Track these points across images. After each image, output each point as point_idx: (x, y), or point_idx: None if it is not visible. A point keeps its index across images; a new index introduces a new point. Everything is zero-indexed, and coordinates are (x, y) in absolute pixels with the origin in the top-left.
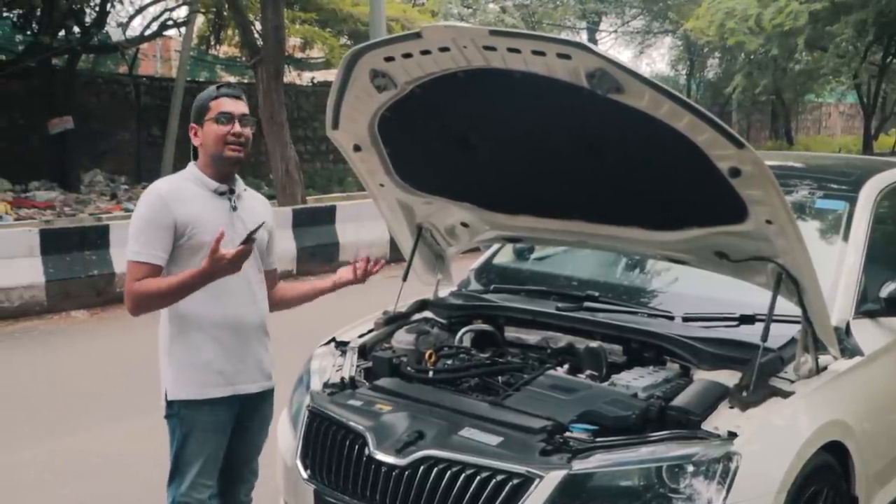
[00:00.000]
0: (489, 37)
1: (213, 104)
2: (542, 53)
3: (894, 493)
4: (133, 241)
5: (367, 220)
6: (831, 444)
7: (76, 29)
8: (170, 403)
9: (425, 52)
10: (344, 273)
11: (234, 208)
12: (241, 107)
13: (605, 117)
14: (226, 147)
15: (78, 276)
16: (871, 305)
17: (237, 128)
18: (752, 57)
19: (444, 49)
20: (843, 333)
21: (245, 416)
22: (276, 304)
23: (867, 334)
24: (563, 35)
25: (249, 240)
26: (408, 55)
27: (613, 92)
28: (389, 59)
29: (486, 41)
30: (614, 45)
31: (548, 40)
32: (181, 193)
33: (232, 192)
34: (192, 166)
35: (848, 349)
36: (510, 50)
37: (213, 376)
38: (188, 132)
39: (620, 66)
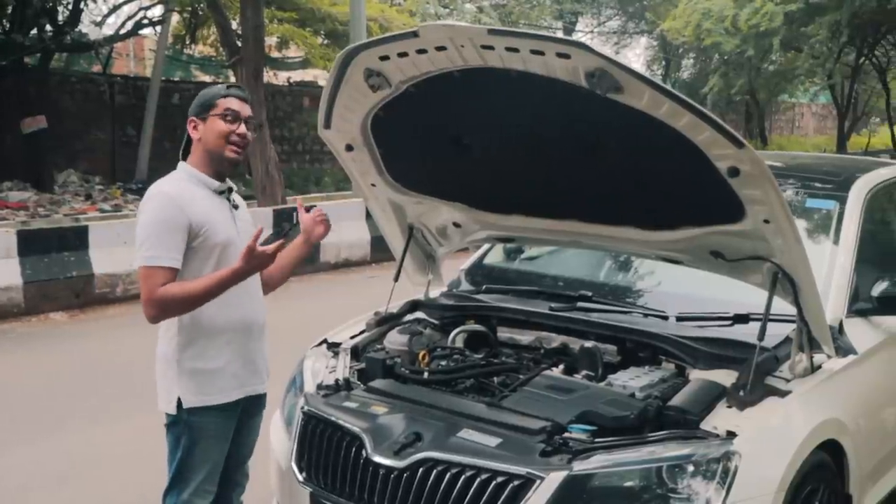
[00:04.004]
0: (487, 36)
1: (221, 101)
2: (540, 53)
3: (886, 490)
4: (147, 246)
5: (347, 220)
6: (826, 443)
7: (49, 27)
8: (178, 412)
9: (421, 52)
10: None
11: (236, 207)
12: (247, 109)
13: (602, 116)
14: (227, 146)
15: (56, 277)
16: (862, 304)
17: (242, 128)
18: (727, 57)
19: (441, 48)
20: (837, 332)
21: (242, 418)
22: (266, 284)
23: (860, 333)
24: None
25: (285, 234)
26: (403, 54)
27: (612, 91)
28: (384, 58)
29: (484, 40)
30: None
31: (547, 39)
32: (187, 195)
33: (230, 190)
34: (185, 166)
35: (841, 348)
36: (508, 49)
37: (227, 380)
38: (171, 130)
39: (621, 66)
